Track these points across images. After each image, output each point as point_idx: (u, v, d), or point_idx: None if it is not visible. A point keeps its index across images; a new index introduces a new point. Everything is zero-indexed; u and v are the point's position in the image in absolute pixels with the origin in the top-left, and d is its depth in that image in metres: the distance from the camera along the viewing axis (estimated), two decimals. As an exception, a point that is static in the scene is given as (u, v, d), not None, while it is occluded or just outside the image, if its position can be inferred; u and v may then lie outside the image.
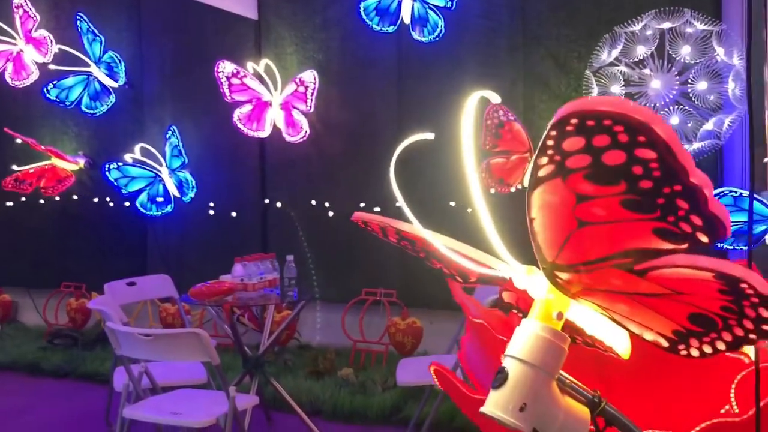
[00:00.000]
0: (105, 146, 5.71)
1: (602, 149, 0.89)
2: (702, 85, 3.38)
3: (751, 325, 1.00)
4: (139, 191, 5.28)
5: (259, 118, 4.91)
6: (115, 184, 5.23)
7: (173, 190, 5.27)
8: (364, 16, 4.51)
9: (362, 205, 4.79)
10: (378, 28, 4.55)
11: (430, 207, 4.33)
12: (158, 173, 5.28)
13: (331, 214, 4.90)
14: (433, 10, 4.38)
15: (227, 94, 4.81)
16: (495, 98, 1.15)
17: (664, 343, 1.12)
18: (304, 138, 4.82)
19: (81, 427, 3.97)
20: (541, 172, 0.97)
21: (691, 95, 3.38)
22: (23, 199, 6.02)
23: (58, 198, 5.87)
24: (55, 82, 5.54)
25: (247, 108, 4.88)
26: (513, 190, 4.04)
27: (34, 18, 5.65)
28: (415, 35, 4.47)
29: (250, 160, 5.21)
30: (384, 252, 4.78)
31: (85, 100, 5.54)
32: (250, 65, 4.87)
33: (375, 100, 4.82)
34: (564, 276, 1.10)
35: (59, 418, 4.13)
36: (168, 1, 5.49)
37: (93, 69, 5.52)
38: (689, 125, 3.52)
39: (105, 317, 3.01)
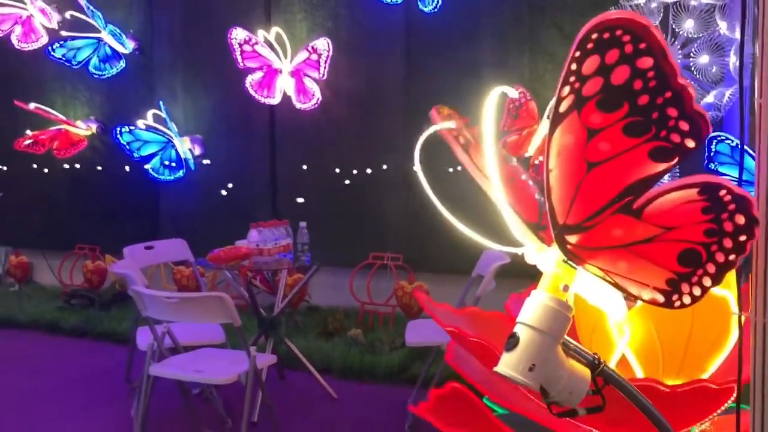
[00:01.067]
0: (116, 111, 5.81)
1: (612, 66, 1.07)
2: (704, 59, 3.48)
3: (730, 243, 1.16)
4: (151, 156, 5.40)
5: (270, 85, 5.00)
6: (127, 147, 5.34)
7: (185, 155, 5.39)
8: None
9: (369, 171, 4.93)
10: (387, 0, 4.62)
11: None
12: (170, 138, 5.38)
13: (340, 180, 5.03)
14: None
15: (240, 60, 4.90)
16: (512, 93, 1.28)
17: (661, 299, 1.26)
18: (316, 105, 4.92)
19: (102, 385, 4.14)
20: (562, 107, 1.12)
21: (692, 68, 3.48)
22: (35, 166, 6.14)
23: (68, 165, 5.99)
24: (61, 42, 5.61)
25: (258, 75, 4.98)
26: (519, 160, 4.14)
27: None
28: (421, 6, 4.55)
29: (260, 127, 5.32)
30: (391, 217, 4.93)
31: (94, 61, 5.61)
32: (260, 33, 4.94)
33: (383, 68, 4.91)
34: (572, 239, 1.24)
35: (79, 377, 4.31)
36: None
37: (104, 35, 5.59)
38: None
39: (129, 281, 3.17)
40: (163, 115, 5.35)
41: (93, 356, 4.72)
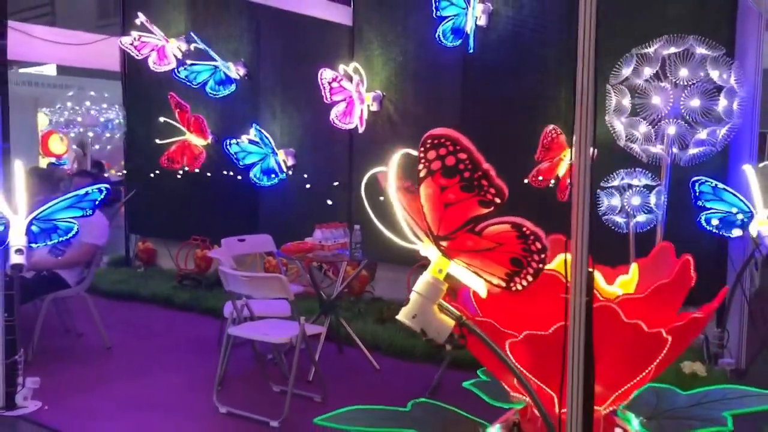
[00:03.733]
0: (227, 126, 6.96)
1: (444, 156, 1.88)
2: (695, 102, 4.07)
3: (537, 258, 1.95)
4: (253, 164, 6.48)
5: (351, 113, 5.94)
6: (234, 157, 6.45)
7: (283, 166, 6.44)
8: (441, 38, 5.38)
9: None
10: (450, 44, 5.43)
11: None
12: (273, 149, 6.43)
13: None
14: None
15: (327, 96, 5.87)
16: (414, 153, 2.11)
17: (504, 285, 2.06)
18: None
19: (201, 345, 5.22)
20: (421, 174, 1.95)
21: (682, 110, 4.08)
22: (157, 171, 7.43)
23: (187, 169, 7.21)
24: (186, 66, 6.81)
25: (342, 106, 5.93)
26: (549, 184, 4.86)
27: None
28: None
29: (341, 144, 6.27)
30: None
31: (210, 83, 6.78)
32: (342, 68, 5.89)
33: (442, 96, 5.73)
34: (444, 243, 2.06)
35: (184, 341, 5.41)
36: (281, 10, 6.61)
37: (219, 63, 6.74)
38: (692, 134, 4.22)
39: (220, 263, 4.18)
40: (255, 136, 6.41)
41: (197, 326, 5.82)
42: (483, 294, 2.14)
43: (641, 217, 4.09)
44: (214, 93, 6.81)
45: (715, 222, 4.06)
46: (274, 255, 5.36)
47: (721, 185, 4.04)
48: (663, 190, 4.19)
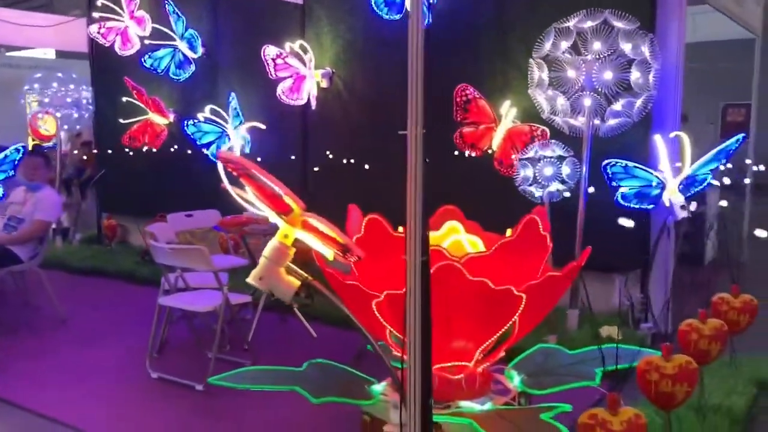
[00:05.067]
0: (189, 105, 7.11)
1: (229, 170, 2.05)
2: (608, 75, 4.19)
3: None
4: (210, 143, 6.64)
5: (299, 89, 6.08)
6: (192, 137, 6.61)
7: (236, 143, 6.59)
8: (375, 8, 5.51)
9: (364, 167, 5.91)
10: (387, 17, 5.55)
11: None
12: (224, 129, 6.59)
13: (351, 166, 6.06)
14: (425, 4, 5.33)
15: (272, 72, 6.01)
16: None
17: (341, 254, 2.23)
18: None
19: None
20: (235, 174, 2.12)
21: (595, 83, 4.20)
22: (128, 151, 7.61)
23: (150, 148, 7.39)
24: (150, 54, 6.96)
25: (288, 82, 6.06)
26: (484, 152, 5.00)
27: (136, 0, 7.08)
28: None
29: (294, 120, 6.41)
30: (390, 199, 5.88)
31: (172, 68, 6.92)
32: (287, 45, 6.02)
33: (388, 72, 5.85)
34: (284, 217, 2.23)
35: (140, 312, 5.59)
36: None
37: (178, 43, 6.87)
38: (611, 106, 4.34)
39: (153, 237, 4.36)
40: (232, 107, 6.54)
41: (154, 299, 6.00)
42: (330, 257, 2.30)
43: (554, 187, 4.23)
44: (177, 77, 6.95)
45: (631, 195, 4.18)
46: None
47: (631, 164, 4.16)
48: (574, 160, 4.32)
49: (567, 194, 4.34)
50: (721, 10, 5.96)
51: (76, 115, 8.11)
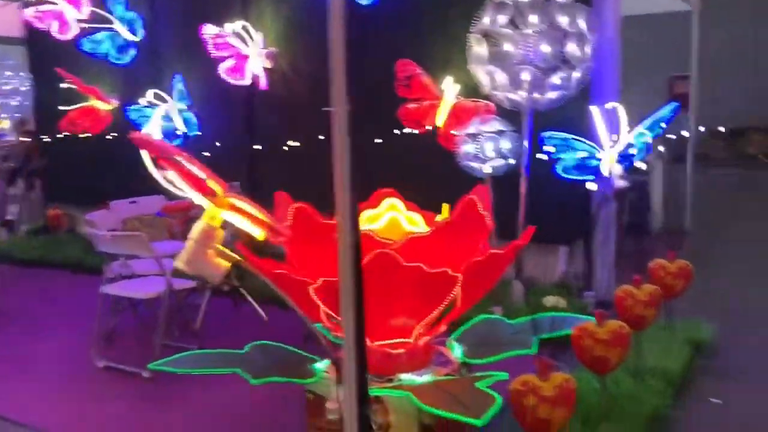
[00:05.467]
0: (131, 90, 6.96)
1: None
2: (545, 48, 4.22)
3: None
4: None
5: (241, 69, 6.00)
6: (135, 122, 6.49)
7: (180, 126, 6.48)
8: (315, -17, 5.46)
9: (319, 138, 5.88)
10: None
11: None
12: (168, 113, 6.48)
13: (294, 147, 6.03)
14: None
15: (212, 50, 5.92)
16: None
17: (269, 234, 2.22)
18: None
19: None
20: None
21: (531, 56, 4.23)
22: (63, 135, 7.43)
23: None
24: (88, 37, 6.78)
25: (229, 62, 5.98)
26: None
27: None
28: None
29: (240, 101, 6.34)
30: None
31: (112, 52, 6.76)
32: (227, 25, 5.93)
33: (326, 46, 5.81)
34: (209, 198, 2.20)
35: (86, 302, 5.50)
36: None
37: (117, 26, 6.71)
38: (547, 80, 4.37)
39: (93, 225, 4.28)
40: (178, 88, 6.43)
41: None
42: (259, 236, 2.29)
43: (495, 162, 4.27)
44: (117, 61, 6.80)
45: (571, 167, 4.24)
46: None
47: (568, 136, 4.21)
48: (515, 135, 4.36)
49: (512, 161, 4.38)
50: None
51: (15, 103, 7.88)
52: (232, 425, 3.43)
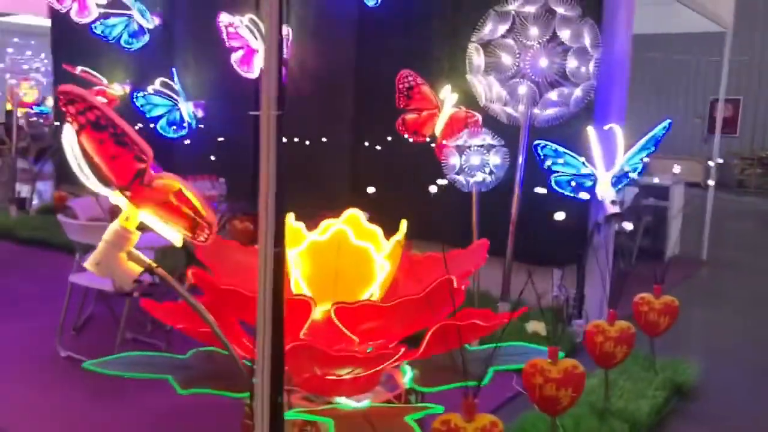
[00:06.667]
0: (145, 76, 6.94)
1: (83, 111, 1.88)
2: (543, 62, 4.03)
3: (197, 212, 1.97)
4: (160, 117, 6.48)
5: (249, 62, 5.92)
6: (141, 109, 6.45)
7: (188, 118, 6.44)
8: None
9: (323, 139, 5.76)
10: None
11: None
12: (176, 102, 6.44)
13: (301, 145, 5.92)
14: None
15: (225, 40, 5.86)
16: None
17: (190, 234, 2.09)
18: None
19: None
20: (75, 127, 1.96)
21: (528, 70, 4.04)
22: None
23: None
24: (101, 20, 6.77)
25: (240, 53, 5.91)
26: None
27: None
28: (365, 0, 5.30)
29: (250, 95, 6.26)
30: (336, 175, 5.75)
31: (125, 36, 6.74)
32: (237, 18, 5.86)
33: (339, 50, 5.70)
34: (127, 194, 2.08)
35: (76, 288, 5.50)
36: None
37: (133, 12, 6.69)
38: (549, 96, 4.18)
39: (69, 213, 4.22)
40: (174, 83, 6.38)
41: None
42: (178, 243, 2.17)
43: (479, 177, 4.08)
44: (128, 46, 6.78)
45: (568, 181, 4.04)
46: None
47: (561, 148, 4.02)
48: (504, 150, 4.17)
49: (498, 177, 4.20)
50: (686, 4, 5.77)
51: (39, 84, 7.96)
52: (174, 427, 3.33)
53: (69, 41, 7.71)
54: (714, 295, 6.25)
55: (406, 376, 2.95)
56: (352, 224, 2.96)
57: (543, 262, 4.75)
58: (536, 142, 4.05)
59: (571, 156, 4.01)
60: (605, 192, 3.97)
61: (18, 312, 4.88)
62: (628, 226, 4.11)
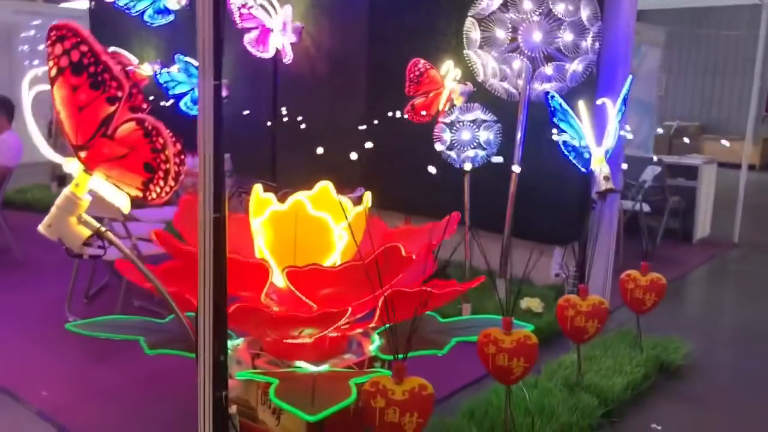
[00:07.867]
0: (174, 55, 7.12)
1: (70, 50, 1.98)
2: (537, 36, 3.98)
3: (163, 157, 2.06)
4: (183, 94, 6.65)
5: (264, 42, 6.01)
6: (164, 86, 6.63)
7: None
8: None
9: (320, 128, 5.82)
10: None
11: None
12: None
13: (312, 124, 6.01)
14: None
15: (237, 21, 5.95)
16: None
17: (141, 194, 2.19)
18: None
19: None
20: (52, 73, 2.06)
21: (521, 45, 4.00)
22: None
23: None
24: (129, -9, 6.96)
25: (254, 33, 6.00)
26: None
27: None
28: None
29: (266, 76, 6.37)
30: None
31: (149, 11, 6.90)
32: (252, -2, 5.95)
33: (351, 31, 5.75)
34: (83, 154, 2.19)
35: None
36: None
37: (163, -8, 6.86)
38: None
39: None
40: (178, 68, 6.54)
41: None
42: (126, 210, 2.27)
43: (471, 152, 4.07)
44: (152, 22, 6.94)
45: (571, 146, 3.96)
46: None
47: (565, 105, 3.92)
48: (497, 126, 4.15)
49: (490, 153, 4.17)
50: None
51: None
52: (173, 391, 3.47)
53: (107, 24, 7.96)
54: (736, 277, 6.09)
55: (374, 344, 3.03)
56: (321, 196, 3.04)
57: (542, 239, 4.72)
58: (546, 90, 3.95)
59: (573, 117, 3.91)
60: (600, 168, 3.91)
61: (38, 278, 5.14)
62: (626, 204, 4.04)
